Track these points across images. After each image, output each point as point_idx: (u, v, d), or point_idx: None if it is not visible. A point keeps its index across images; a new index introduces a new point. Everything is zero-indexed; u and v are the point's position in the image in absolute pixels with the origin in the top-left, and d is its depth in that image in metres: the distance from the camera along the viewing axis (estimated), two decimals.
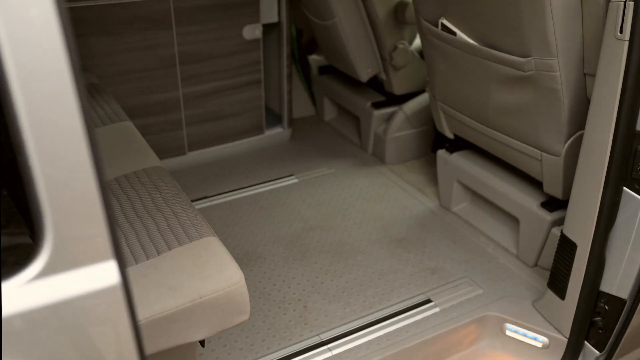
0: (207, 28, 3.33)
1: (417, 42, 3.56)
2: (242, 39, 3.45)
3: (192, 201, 3.09)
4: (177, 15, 3.21)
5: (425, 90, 3.55)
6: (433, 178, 3.36)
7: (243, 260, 2.73)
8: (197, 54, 3.35)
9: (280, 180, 3.39)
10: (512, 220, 2.79)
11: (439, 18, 2.60)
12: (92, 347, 1.13)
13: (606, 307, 2.08)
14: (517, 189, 2.70)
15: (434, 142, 3.60)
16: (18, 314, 1.04)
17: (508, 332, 2.38)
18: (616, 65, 1.82)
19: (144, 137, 2.46)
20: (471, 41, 2.48)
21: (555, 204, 2.58)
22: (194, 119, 3.48)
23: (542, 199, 2.62)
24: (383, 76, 3.57)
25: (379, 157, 3.61)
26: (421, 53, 3.46)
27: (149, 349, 1.50)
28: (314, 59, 4.11)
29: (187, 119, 3.45)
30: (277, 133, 3.81)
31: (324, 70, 4.07)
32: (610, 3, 1.83)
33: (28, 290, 1.04)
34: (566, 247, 2.17)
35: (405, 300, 2.50)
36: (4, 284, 1.03)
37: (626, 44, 1.78)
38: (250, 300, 1.76)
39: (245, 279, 1.71)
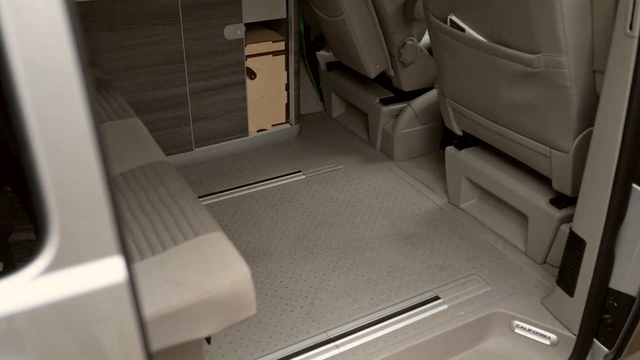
0: (189, 27, 3.31)
1: (426, 38, 3.55)
2: (224, 38, 3.43)
3: (199, 197, 3.09)
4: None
5: (434, 86, 3.54)
6: (441, 175, 3.35)
7: (250, 256, 2.73)
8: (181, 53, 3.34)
9: (287, 177, 3.39)
10: (521, 217, 2.78)
11: (448, 14, 2.59)
12: (96, 344, 1.13)
13: (615, 304, 2.07)
14: (526, 186, 2.69)
15: (442, 138, 3.59)
16: (23, 311, 1.03)
17: (517, 330, 2.37)
18: (626, 62, 1.81)
19: (150, 133, 2.45)
20: (480, 38, 2.47)
21: (564, 200, 2.57)
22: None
23: (551, 196, 2.61)
24: (391, 72, 3.56)
25: (387, 154, 3.60)
26: (430, 49, 3.45)
27: (155, 346, 1.50)
28: (322, 55, 4.10)
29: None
30: (284, 129, 3.80)
31: (332, 66, 4.06)
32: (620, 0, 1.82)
33: (33, 287, 1.04)
34: (575, 244, 2.16)
35: (413, 297, 2.49)
36: (9, 281, 1.02)
37: (636, 40, 1.76)
38: (256, 297, 1.76)
39: (252, 275, 1.70)
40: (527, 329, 2.36)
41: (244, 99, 3.62)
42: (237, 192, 3.25)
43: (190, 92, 3.43)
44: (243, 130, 3.70)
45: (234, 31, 3.42)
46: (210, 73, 3.45)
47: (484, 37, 2.46)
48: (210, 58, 3.42)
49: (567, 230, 2.26)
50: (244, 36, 3.48)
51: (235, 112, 3.63)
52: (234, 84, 3.55)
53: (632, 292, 2.01)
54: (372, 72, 3.53)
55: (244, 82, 3.58)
